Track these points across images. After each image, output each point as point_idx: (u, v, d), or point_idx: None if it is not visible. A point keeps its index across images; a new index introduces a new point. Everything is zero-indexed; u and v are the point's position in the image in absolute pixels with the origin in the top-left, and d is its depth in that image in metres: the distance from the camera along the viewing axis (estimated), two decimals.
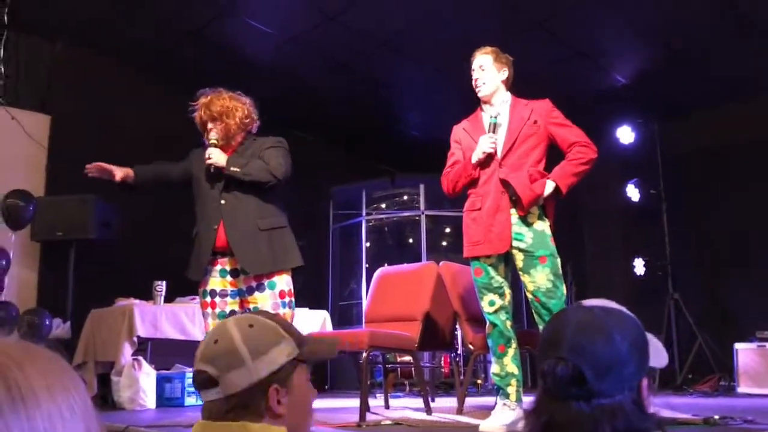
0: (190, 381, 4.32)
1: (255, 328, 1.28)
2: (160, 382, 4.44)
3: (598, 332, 1.08)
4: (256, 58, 5.80)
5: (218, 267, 3.11)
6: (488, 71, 3.23)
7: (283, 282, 3.09)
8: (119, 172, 3.21)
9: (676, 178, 6.44)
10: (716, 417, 3.11)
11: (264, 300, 3.04)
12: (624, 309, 1.16)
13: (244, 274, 3.04)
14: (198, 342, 4.13)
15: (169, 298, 4.75)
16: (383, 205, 7.48)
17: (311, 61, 5.91)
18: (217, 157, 3.05)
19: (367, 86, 6.44)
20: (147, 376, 4.32)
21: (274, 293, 3.05)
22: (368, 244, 7.30)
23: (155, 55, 5.78)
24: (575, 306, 1.17)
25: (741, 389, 5.32)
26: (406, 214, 7.29)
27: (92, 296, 4.81)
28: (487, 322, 3.18)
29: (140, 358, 4.38)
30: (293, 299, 3.14)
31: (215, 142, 3.11)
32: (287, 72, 6.09)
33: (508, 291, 3.16)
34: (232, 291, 3.10)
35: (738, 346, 5.46)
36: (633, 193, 6.72)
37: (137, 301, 4.59)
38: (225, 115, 3.14)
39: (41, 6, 5.05)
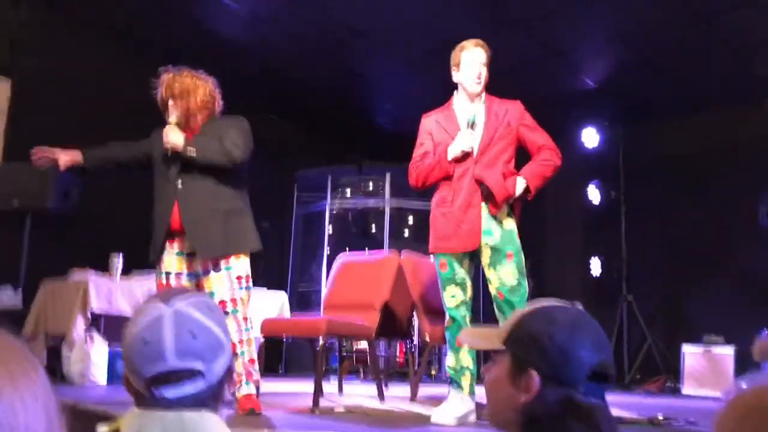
0: None
1: (214, 312, 1.23)
2: (113, 357, 4.37)
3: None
4: (226, 35, 5.71)
5: (175, 248, 3.08)
6: (485, 67, 3.23)
7: (240, 265, 3.07)
8: (64, 158, 3.16)
9: (637, 182, 6.57)
10: (660, 417, 3.20)
11: (220, 282, 3.02)
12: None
13: (198, 256, 3.02)
14: None
15: (126, 272, 4.68)
16: (348, 192, 7.46)
17: (283, 43, 5.85)
18: (174, 137, 3.00)
19: (339, 73, 6.40)
20: (99, 351, 4.26)
21: (230, 275, 3.03)
22: (331, 231, 7.29)
23: (124, 25, 5.65)
24: (572, 308, 1.18)
25: (686, 391, 5.48)
26: (370, 202, 7.29)
27: (47, 266, 4.70)
28: (447, 316, 3.20)
29: (93, 332, 4.31)
30: (250, 283, 3.12)
31: (174, 121, 3.06)
32: (258, 52, 6.02)
33: (470, 286, 3.19)
34: (188, 273, 3.08)
35: (685, 348, 5.61)
36: (594, 195, 6.84)
37: (93, 274, 4.50)
38: (186, 93, 3.10)
39: None
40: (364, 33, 5.63)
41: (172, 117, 3.07)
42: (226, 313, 2.97)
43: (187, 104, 3.09)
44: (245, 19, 5.48)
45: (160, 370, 1.13)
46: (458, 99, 3.30)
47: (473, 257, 3.19)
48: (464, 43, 3.27)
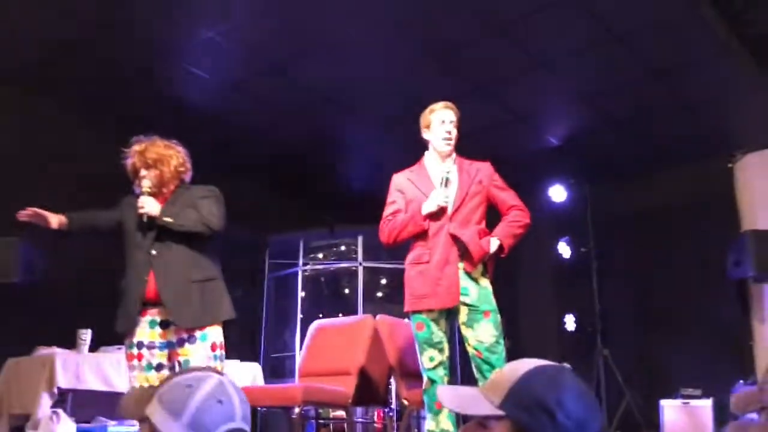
0: None
1: (222, 405, 1.31)
2: None
3: None
4: (195, 104, 5.74)
5: (147, 318, 3.03)
6: (455, 127, 3.31)
7: (215, 334, 3.03)
8: (54, 220, 3.15)
9: (607, 237, 6.65)
10: None
11: (196, 352, 2.97)
12: None
13: (176, 326, 2.97)
14: (122, 393, 3.94)
15: (94, 348, 4.55)
16: (320, 255, 7.44)
17: (252, 109, 5.91)
18: (150, 206, 3.01)
19: (309, 136, 6.46)
20: (66, 430, 4.09)
21: (206, 345, 2.99)
22: (303, 294, 7.22)
23: (89, 98, 5.66)
24: (568, 370, 1.14)
25: None
26: (343, 264, 7.26)
27: (11, 344, 4.56)
28: (425, 378, 3.16)
29: (59, 410, 4.16)
30: (224, 351, 3.08)
31: (148, 190, 3.06)
32: (227, 119, 6.06)
33: (447, 346, 3.17)
34: (160, 343, 3.03)
35: (664, 402, 5.59)
36: (564, 250, 6.90)
37: (59, 350, 4.37)
38: (160, 162, 3.12)
39: None
40: (332, 98, 5.72)
41: (145, 185, 3.07)
42: None
43: (161, 173, 3.11)
44: (214, 88, 5.53)
45: (231, 428, 1.23)
46: (429, 158, 3.35)
47: (449, 317, 3.17)
48: (433, 105, 3.36)
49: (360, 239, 7.06)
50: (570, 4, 4.39)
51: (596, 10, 4.47)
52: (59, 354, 4.28)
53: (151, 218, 3.01)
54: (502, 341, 3.10)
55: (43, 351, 4.40)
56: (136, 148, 3.15)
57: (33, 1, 4.44)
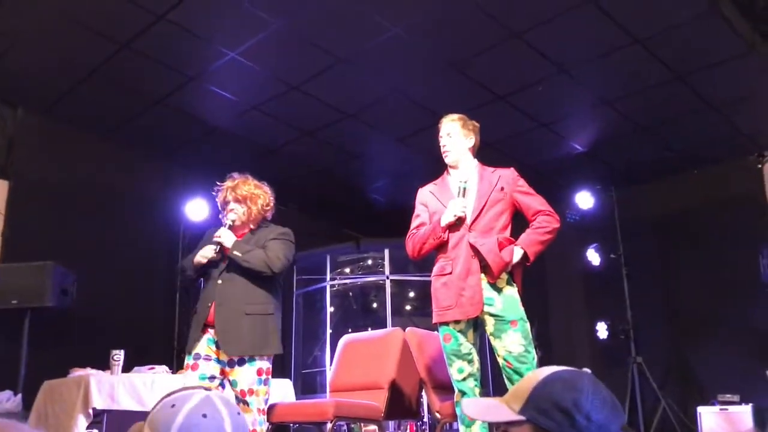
0: None
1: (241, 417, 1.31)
2: None
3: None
4: (220, 125, 5.83)
5: (207, 335, 3.27)
6: (455, 138, 3.30)
7: (263, 362, 3.25)
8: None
9: (636, 242, 6.57)
10: None
11: (243, 374, 3.19)
12: None
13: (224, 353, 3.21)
14: None
15: (127, 368, 4.60)
16: (348, 270, 7.45)
17: (276, 129, 5.97)
18: (225, 237, 3.28)
19: (333, 153, 6.50)
20: None
21: (253, 370, 3.21)
22: (332, 309, 7.23)
23: (117, 123, 5.77)
24: (587, 374, 1.15)
25: None
26: (371, 278, 7.27)
27: (46, 367, 4.62)
28: (456, 390, 3.14)
29: (95, 431, 4.20)
30: (269, 377, 3.30)
31: (231, 223, 3.35)
32: (251, 139, 6.12)
33: (476, 357, 3.14)
34: (216, 359, 3.25)
35: (701, 409, 5.48)
36: (594, 257, 6.83)
37: (93, 371, 4.43)
38: (249, 200, 3.40)
39: (2, 73, 5.03)
40: (355, 114, 5.75)
41: (230, 218, 3.36)
42: (246, 402, 3.17)
43: (250, 210, 3.38)
44: (239, 109, 5.60)
45: None
46: (451, 170, 3.36)
47: (477, 328, 3.14)
48: None
49: (387, 252, 7.07)
50: (589, 8, 4.38)
51: (615, 13, 4.44)
52: (93, 375, 4.33)
53: (222, 249, 3.28)
54: (532, 350, 3.06)
55: (78, 372, 4.45)
56: (229, 183, 3.43)
57: (62, 24, 4.55)
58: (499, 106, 5.52)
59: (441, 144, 3.32)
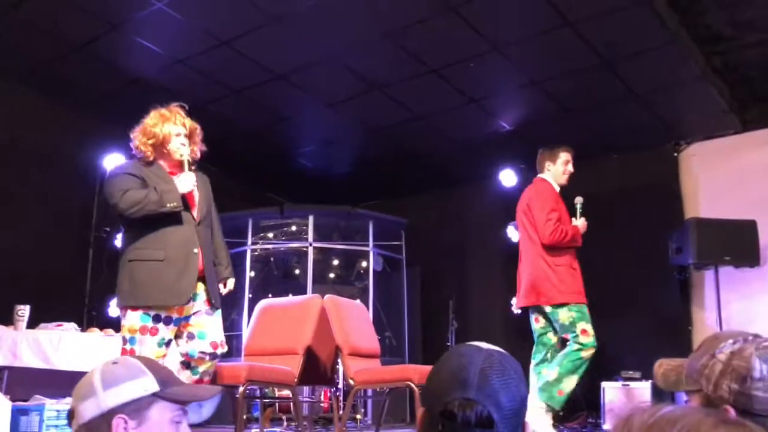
0: (49, 414, 4.01)
1: (117, 364, 1.32)
2: (15, 414, 4.08)
3: (502, 376, 1.08)
4: (142, 77, 5.59)
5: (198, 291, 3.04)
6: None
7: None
8: None
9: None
10: None
11: (214, 324, 3.06)
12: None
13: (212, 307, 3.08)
14: (61, 372, 3.85)
15: (32, 324, 4.42)
16: (270, 235, 7.35)
17: (203, 85, 5.78)
18: (190, 182, 3.05)
19: (261, 115, 6.36)
20: (0, 408, 3.97)
21: (221, 320, 3.15)
22: (252, 274, 7.14)
23: (31, 71, 5.45)
24: (472, 347, 1.15)
25: (606, 426, 5.58)
26: (293, 244, 7.19)
27: None
28: (593, 350, 4.29)
29: None
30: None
31: (186, 158, 3.06)
32: (178, 93, 5.90)
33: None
34: (176, 317, 2.97)
35: (605, 384, 5.73)
36: (513, 234, 6.96)
37: None
38: (195, 134, 3.15)
39: None
40: (285, 76, 5.63)
41: (184, 154, 3.04)
42: (217, 355, 3.03)
43: (194, 151, 3.15)
44: (163, 62, 5.38)
45: (144, 383, 1.28)
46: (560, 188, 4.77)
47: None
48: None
49: (311, 219, 6.99)
50: None
51: None
52: None
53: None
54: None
55: None
56: (176, 110, 3.09)
57: None
58: (431, 79, 5.51)
59: (570, 170, 4.86)
